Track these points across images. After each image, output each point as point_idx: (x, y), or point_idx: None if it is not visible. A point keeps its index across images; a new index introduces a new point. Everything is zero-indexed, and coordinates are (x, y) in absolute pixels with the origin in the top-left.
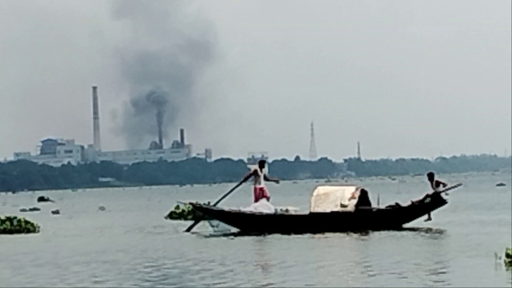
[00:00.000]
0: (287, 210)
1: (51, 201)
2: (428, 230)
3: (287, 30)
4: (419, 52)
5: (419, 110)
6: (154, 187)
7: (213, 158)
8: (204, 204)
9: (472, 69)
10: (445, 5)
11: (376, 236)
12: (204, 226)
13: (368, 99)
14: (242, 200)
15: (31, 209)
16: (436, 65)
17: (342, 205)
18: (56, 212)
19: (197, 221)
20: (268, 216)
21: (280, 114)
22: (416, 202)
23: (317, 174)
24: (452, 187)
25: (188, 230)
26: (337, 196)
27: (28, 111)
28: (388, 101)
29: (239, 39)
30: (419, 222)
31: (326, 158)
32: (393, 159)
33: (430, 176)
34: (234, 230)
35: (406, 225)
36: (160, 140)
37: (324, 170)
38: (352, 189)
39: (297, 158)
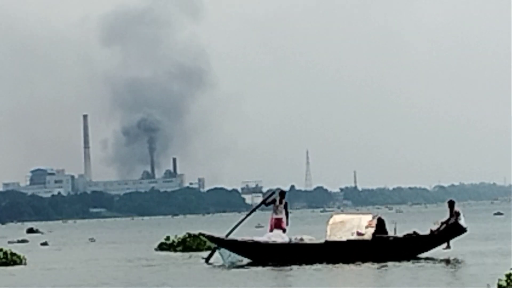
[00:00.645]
0: (301, 239)
1: (40, 232)
2: (444, 260)
3: (281, 56)
4: (414, 80)
5: (416, 138)
6: (146, 217)
7: (206, 188)
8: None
9: (471, 97)
10: (444, 30)
11: (392, 267)
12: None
13: (364, 127)
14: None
15: (19, 241)
16: (432, 93)
17: (359, 234)
18: (45, 244)
19: (213, 251)
20: (282, 245)
21: (274, 143)
22: (435, 231)
23: (312, 203)
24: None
25: (207, 261)
26: (353, 225)
27: (16, 140)
28: (385, 129)
29: (231, 66)
30: (438, 251)
31: (322, 187)
32: (390, 188)
33: (451, 204)
34: (247, 260)
35: (424, 255)
36: (152, 170)
37: (320, 199)
38: (369, 217)
39: (292, 187)
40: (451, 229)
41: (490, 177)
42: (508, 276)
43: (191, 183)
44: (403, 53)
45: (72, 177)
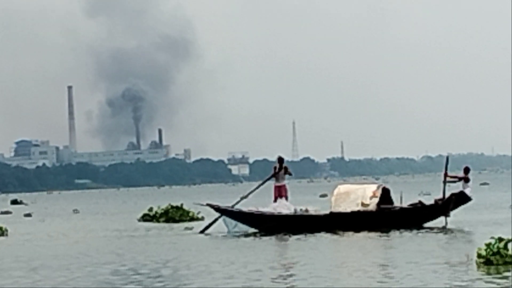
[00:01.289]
0: (306, 210)
1: (24, 203)
2: (445, 229)
3: (268, 28)
4: (404, 53)
5: (404, 109)
6: (131, 188)
7: (192, 159)
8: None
9: (458, 69)
10: (427, 10)
11: (397, 235)
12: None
13: (351, 98)
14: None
15: (2, 212)
16: (421, 65)
17: (364, 204)
18: (28, 215)
19: (212, 222)
20: (287, 216)
21: (261, 114)
22: (440, 200)
23: (299, 174)
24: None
25: (203, 231)
26: (358, 195)
27: (1, 111)
28: (372, 100)
29: (218, 38)
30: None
31: (308, 158)
32: (378, 159)
33: (466, 171)
34: (252, 230)
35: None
36: (138, 141)
37: (306, 170)
38: (373, 187)
39: None
40: (456, 198)
41: (478, 147)
42: (487, 245)
43: (177, 154)
44: (391, 30)
45: (57, 148)
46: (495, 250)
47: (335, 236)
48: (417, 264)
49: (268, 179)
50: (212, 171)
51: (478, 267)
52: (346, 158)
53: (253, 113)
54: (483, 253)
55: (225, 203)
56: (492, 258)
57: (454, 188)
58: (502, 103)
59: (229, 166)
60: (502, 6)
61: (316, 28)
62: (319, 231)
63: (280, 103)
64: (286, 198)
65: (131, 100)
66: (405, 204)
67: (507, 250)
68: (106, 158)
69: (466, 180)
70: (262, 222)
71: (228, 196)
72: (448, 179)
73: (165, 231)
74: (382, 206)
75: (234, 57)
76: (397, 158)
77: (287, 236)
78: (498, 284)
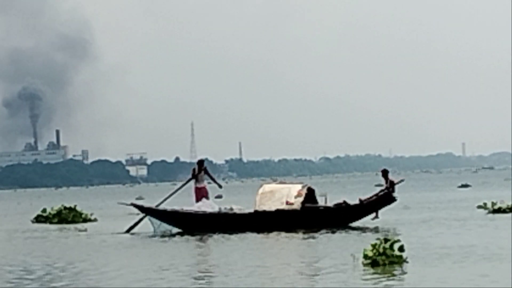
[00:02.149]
0: (231, 209)
1: None
2: (371, 228)
3: (165, 29)
4: (301, 51)
5: (301, 110)
6: (29, 190)
7: (90, 160)
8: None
9: (355, 69)
10: (329, 4)
11: (321, 235)
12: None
13: (249, 99)
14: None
15: None
16: (317, 64)
17: (289, 203)
18: None
19: (138, 222)
20: (211, 215)
21: (159, 115)
22: (365, 200)
23: None
24: (398, 183)
25: (128, 231)
26: (283, 194)
27: None
28: (270, 101)
29: (115, 38)
30: (367, 220)
31: (207, 159)
32: (276, 160)
33: (385, 173)
34: (176, 230)
35: (353, 224)
36: (35, 142)
37: None
38: (298, 187)
39: (177, 159)
40: (381, 199)
41: (376, 149)
42: (373, 245)
43: (74, 155)
44: (289, 27)
45: None
46: (381, 250)
47: (258, 236)
48: (302, 264)
49: (188, 181)
50: (110, 172)
51: (364, 267)
52: (244, 159)
53: (151, 114)
54: (369, 253)
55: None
56: (378, 258)
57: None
58: (400, 105)
59: (127, 167)
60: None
61: (214, 27)
62: (243, 230)
63: (178, 104)
64: (207, 199)
65: (28, 100)
66: (330, 205)
67: (393, 250)
68: (2, 159)
69: (392, 184)
70: (187, 221)
71: (126, 197)
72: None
73: (57, 232)
74: (307, 205)
75: (132, 58)
76: (295, 159)
77: (207, 236)
78: (384, 284)
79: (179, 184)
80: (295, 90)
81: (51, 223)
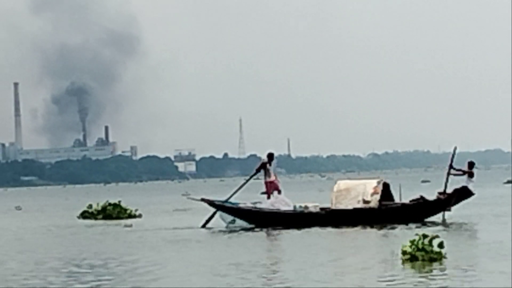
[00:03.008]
0: (306, 207)
1: None
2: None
3: (213, 25)
4: (351, 51)
5: (350, 106)
6: (77, 186)
7: (139, 156)
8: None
9: (404, 67)
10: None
11: (398, 231)
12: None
13: (298, 95)
14: (249, 195)
15: None
16: (367, 63)
17: (365, 201)
18: None
19: (211, 217)
20: (287, 214)
21: (207, 111)
22: (443, 194)
23: (246, 171)
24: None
25: (204, 226)
26: (359, 192)
27: None
28: (318, 97)
29: (163, 34)
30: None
31: (255, 155)
32: (324, 156)
33: (471, 165)
34: (250, 226)
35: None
36: (84, 138)
37: (253, 167)
38: (373, 183)
39: (226, 155)
40: (459, 193)
41: (424, 145)
42: (412, 242)
43: (123, 151)
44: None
45: (3, 145)
46: (420, 246)
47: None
48: (342, 260)
49: (255, 173)
50: (159, 168)
51: (403, 263)
52: (293, 155)
53: (200, 110)
54: (408, 249)
55: (172, 200)
56: (417, 254)
57: (455, 182)
58: (447, 101)
59: (176, 163)
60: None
61: (263, 25)
62: (320, 228)
63: (226, 100)
64: (279, 192)
65: (76, 96)
66: (404, 199)
67: (432, 246)
68: (52, 155)
69: (470, 174)
70: (261, 218)
71: (175, 192)
72: (452, 171)
73: (102, 228)
74: (384, 202)
75: (180, 54)
76: (344, 156)
77: (280, 232)
78: (423, 280)
79: (227, 179)
80: (343, 86)
81: (95, 219)
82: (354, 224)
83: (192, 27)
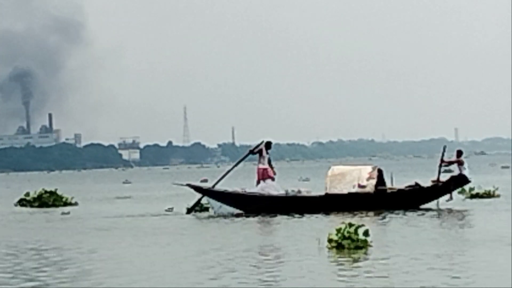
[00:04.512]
0: (299, 191)
1: None
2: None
3: (159, 14)
4: (294, 40)
5: (294, 94)
6: (21, 173)
7: (83, 144)
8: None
9: (348, 53)
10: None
11: (393, 217)
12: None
13: (242, 83)
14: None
15: None
16: (308, 54)
17: (360, 186)
18: None
19: (197, 203)
20: (279, 198)
21: (152, 99)
22: (438, 181)
23: (190, 159)
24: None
25: (189, 211)
26: (354, 177)
27: None
28: (263, 85)
29: (109, 23)
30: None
31: (199, 143)
32: None
33: (459, 154)
34: (238, 211)
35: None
36: (28, 125)
37: (197, 155)
38: (369, 169)
39: (170, 143)
40: (455, 180)
41: (369, 134)
42: (338, 230)
43: (67, 139)
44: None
45: None
46: (346, 234)
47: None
48: (272, 248)
49: (244, 158)
50: (103, 156)
51: (329, 251)
52: (237, 144)
53: (144, 98)
54: (334, 237)
55: (114, 188)
56: (343, 242)
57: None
58: (391, 91)
59: (120, 151)
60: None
61: (205, 14)
62: (314, 213)
63: (171, 89)
64: (272, 179)
65: (19, 81)
66: (396, 185)
67: (357, 235)
68: None
69: (461, 163)
70: (251, 203)
71: (118, 180)
72: (444, 164)
73: (38, 215)
74: (380, 187)
75: (125, 42)
76: (288, 144)
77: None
78: (348, 267)
79: (168, 167)
80: (288, 75)
81: (32, 206)
82: (349, 209)
83: (137, 16)
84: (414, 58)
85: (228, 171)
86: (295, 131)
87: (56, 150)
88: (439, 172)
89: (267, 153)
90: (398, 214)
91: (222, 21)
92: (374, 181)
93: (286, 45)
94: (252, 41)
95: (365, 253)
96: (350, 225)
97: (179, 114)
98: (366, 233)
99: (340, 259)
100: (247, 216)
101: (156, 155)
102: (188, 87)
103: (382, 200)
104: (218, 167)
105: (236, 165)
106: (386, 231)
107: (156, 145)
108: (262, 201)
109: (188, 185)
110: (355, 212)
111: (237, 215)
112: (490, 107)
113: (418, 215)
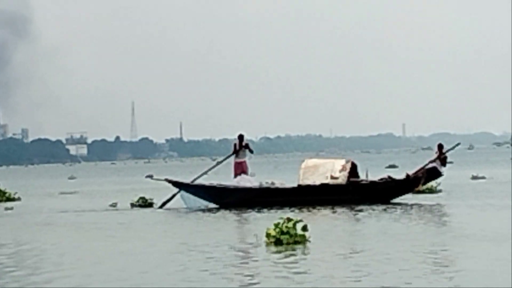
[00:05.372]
0: (272, 183)
1: None
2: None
3: (107, 8)
4: (244, 32)
5: (242, 90)
6: None
7: (30, 139)
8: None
9: (295, 48)
10: None
11: (365, 211)
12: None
13: (190, 79)
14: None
15: None
16: (257, 45)
17: (333, 177)
18: None
19: (171, 197)
20: (252, 189)
21: (100, 94)
22: (412, 175)
23: (137, 154)
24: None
25: (162, 206)
26: (327, 168)
27: None
28: (211, 81)
29: (56, 17)
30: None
31: (147, 138)
32: (216, 139)
33: (440, 147)
34: (212, 206)
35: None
36: None
37: (145, 150)
38: (342, 161)
39: (117, 138)
40: (427, 174)
41: (316, 129)
42: (276, 225)
43: (14, 134)
44: (235, 7)
45: None
46: (284, 229)
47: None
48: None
49: (229, 156)
50: (50, 151)
51: (268, 246)
52: (185, 139)
53: (92, 93)
54: (272, 232)
55: (59, 183)
56: (282, 237)
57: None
58: (341, 85)
59: (67, 146)
60: None
61: (158, 6)
62: (286, 205)
63: (118, 84)
64: (246, 174)
65: None
66: (374, 178)
67: (295, 229)
68: None
69: (443, 160)
70: (225, 196)
71: (64, 176)
72: (429, 162)
73: None
74: (352, 179)
75: (72, 37)
76: (235, 139)
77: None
78: (287, 262)
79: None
80: (235, 70)
81: None
82: (321, 201)
83: (85, 10)
84: (361, 55)
85: (211, 168)
86: (243, 126)
87: (3, 145)
88: (425, 166)
89: (241, 146)
90: (349, 208)
91: (171, 15)
92: (346, 173)
93: (233, 39)
94: (201, 34)
95: (303, 249)
96: (289, 219)
97: (127, 109)
98: (304, 228)
99: (274, 255)
100: (216, 211)
101: (104, 150)
102: (135, 82)
103: (354, 191)
104: (166, 162)
105: (218, 164)
106: (331, 226)
107: (103, 140)
108: (235, 193)
109: (166, 179)
110: (326, 206)
111: (204, 210)
112: (438, 103)
113: (375, 210)
